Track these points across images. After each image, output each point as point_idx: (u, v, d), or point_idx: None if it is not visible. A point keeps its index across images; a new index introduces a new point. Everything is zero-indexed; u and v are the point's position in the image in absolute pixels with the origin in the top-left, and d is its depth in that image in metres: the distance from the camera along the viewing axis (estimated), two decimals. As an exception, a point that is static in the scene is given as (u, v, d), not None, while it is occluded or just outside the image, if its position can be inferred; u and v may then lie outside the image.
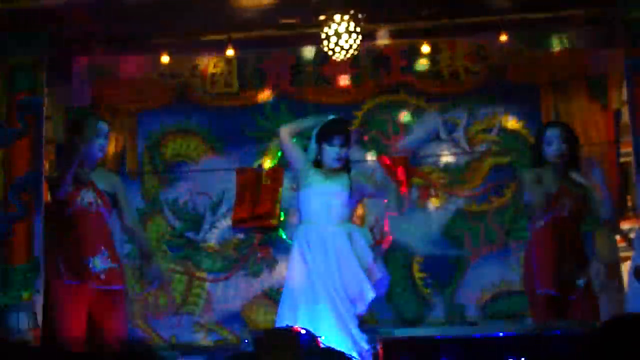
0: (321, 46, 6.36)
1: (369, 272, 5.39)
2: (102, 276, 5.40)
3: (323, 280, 5.29)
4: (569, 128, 5.73)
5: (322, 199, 5.49)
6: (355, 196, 5.61)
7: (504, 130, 7.28)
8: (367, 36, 6.70)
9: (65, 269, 5.43)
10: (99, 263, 5.41)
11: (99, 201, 5.50)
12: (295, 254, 5.48)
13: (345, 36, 6.28)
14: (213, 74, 7.37)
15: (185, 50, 7.24)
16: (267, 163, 7.31)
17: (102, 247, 5.45)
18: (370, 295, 5.30)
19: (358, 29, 6.29)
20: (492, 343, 4.38)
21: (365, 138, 7.25)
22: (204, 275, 7.27)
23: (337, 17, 6.20)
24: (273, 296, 7.16)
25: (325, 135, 5.54)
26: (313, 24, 6.50)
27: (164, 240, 7.30)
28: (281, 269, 7.21)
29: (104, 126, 5.57)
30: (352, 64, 7.19)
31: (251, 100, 7.36)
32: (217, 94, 7.37)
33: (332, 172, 5.55)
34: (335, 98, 7.32)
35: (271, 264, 7.26)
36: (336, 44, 6.31)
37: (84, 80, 7.20)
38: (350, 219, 5.60)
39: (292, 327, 4.33)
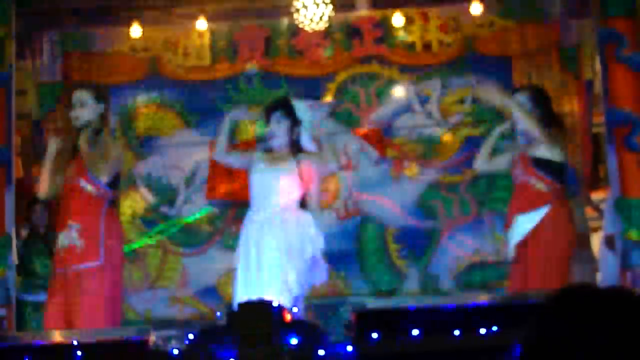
0: (293, 17, 6.33)
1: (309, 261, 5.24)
2: (62, 254, 5.03)
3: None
4: (539, 91, 5.61)
5: (264, 183, 5.32)
6: (308, 179, 5.42)
7: (476, 101, 7.28)
8: (340, 7, 6.69)
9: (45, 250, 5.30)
10: (62, 239, 5.05)
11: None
12: (240, 240, 5.39)
13: (316, 7, 6.26)
14: (185, 47, 7.32)
15: (157, 23, 7.20)
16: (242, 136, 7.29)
17: (70, 222, 5.06)
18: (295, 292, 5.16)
19: (329, 0, 6.27)
20: (463, 313, 4.40)
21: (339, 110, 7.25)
22: (178, 249, 7.26)
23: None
24: (248, 269, 7.18)
25: (266, 115, 5.44)
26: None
27: (139, 215, 7.28)
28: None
29: (80, 95, 5.31)
30: (324, 36, 7.17)
31: (224, 73, 7.33)
32: (190, 67, 7.33)
33: (278, 156, 5.36)
34: (308, 70, 7.31)
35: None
36: (308, 15, 6.29)
37: (54, 55, 7.14)
38: (299, 202, 5.32)
39: (264, 299, 4.33)
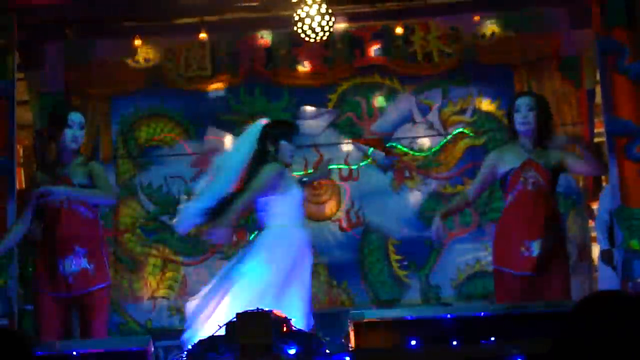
0: (295, 29, 6.35)
1: None
2: (71, 279, 5.08)
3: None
4: (540, 98, 5.60)
5: (300, 198, 5.49)
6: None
7: (478, 111, 7.29)
8: (341, 18, 6.70)
9: (39, 276, 5.18)
10: (69, 265, 5.10)
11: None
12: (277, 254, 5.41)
13: (318, 18, 6.28)
14: (187, 58, 7.33)
15: (158, 34, 7.21)
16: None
17: (76, 247, 5.11)
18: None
19: (330, 11, 6.28)
20: (463, 324, 4.39)
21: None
22: (179, 259, 7.25)
23: (309, -1, 6.20)
24: (249, 280, 7.18)
25: (285, 134, 5.47)
26: (286, 6, 6.48)
27: (139, 225, 7.28)
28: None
29: (76, 116, 5.22)
30: (325, 47, 7.18)
31: (225, 84, 7.34)
32: (191, 78, 7.34)
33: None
34: (309, 81, 7.31)
35: (247, 247, 7.24)
36: (309, 26, 6.30)
37: (57, 65, 7.17)
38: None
39: (263, 309, 4.33)
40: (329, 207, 7.31)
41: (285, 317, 4.35)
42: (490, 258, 6.99)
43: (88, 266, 5.12)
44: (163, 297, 7.22)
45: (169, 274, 7.25)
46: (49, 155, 5.24)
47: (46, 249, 5.18)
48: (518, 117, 5.31)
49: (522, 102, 5.32)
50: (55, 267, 5.12)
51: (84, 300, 5.16)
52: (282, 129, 5.51)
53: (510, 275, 5.19)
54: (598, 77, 6.78)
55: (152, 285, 7.23)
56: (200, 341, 4.36)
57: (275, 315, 4.29)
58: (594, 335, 1.85)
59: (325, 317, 6.90)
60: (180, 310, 7.18)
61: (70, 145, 5.20)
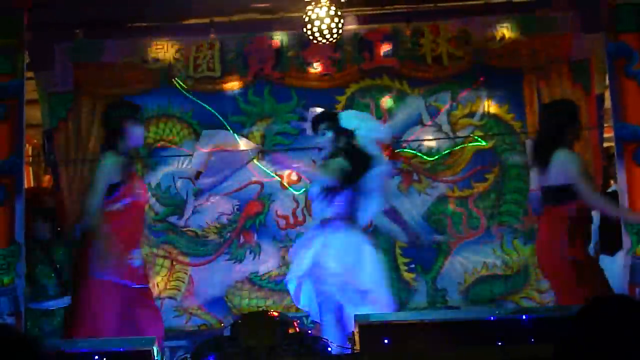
0: (304, 30, 6.34)
1: None
2: (141, 271, 5.26)
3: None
4: (565, 103, 5.65)
5: None
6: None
7: (487, 115, 7.27)
8: (350, 20, 6.70)
9: (102, 264, 5.18)
10: (138, 257, 5.26)
11: (141, 192, 5.35)
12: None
13: (327, 20, 6.28)
14: (196, 59, 7.33)
15: (168, 35, 7.22)
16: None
17: (138, 244, 5.28)
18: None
19: (340, 13, 6.28)
20: (469, 327, 4.39)
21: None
22: (186, 259, 7.26)
23: (320, 0, 6.19)
24: (256, 281, 7.19)
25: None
26: (296, 8, 6.49)
27: (147, 225, 7.28)
28: (264, 254, 7.22)
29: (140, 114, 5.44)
30: (335, 49, 7.18)
31: (234, 85, 7.34)
32: (200, 79, 7.34)
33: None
34: (318, 82, 7.31)
35: (254, 249, 7.26)
36: (319, 28, 6.30)
37: (67, 65, 7.17)
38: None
39: (268, 310, 4.33)
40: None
41: (289, 318, 4.35)
42: (497, 262, 7.07)
43: (144, 264, 5.35)
44: (170, 298, 7.22)
45: (176, 275, 7.26)
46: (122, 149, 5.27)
47: (116, 235, 5.17)
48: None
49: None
50: (123, 255, 5.17)
51: (145, 294, 5.28)
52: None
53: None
54: (607, 82, 6.76)
55: (159, 286, 7.24)
56: (205, 341, 4.36)
57: (280, 316, 4.30)
58: (595, 339, 1.85)
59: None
60: (186, 310, 7.20)
61: (138, 142, 5.39)
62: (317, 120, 5.92)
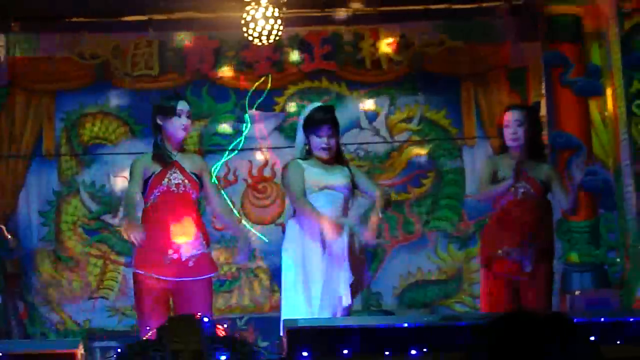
0: (243, 31, 6.30)
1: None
2: (191, 264, 4.94)
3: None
4: (531, 110, 5.60)
5: (326, 192, 5.13)
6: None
7: (424, 120, 7.31)
8: (290, 22, 6.68)
9: (144, 258, 4.94)
10: (188, 249, 4.96)
11: (186, 182, 5.05)
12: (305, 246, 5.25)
13: (266, 21, 6.24)
14: (134, 56, 7.26)
15: (105, 31, 7.13)
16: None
17: (193, 231, 4.97)
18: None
19: (280, 15, 6.25)
20: (396, 333, 4.38)
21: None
22: (119, 259, 7.17)
23: (260, 1, 6.16)
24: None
25: (311, 126, 5.09)
26: (235, 8, 6.45)
27: (80, 223, 7.19)
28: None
29: (184, 105, 5.13)
30: (274, 50, 7.15)
31: (172, 83, 7.26)
32: (138, 76, 7.26)
33: (330, 165, 5.15)
34: (257, 83, 7.27)
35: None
36: (257, 29, 6.26)
37: (1, 59, 7.05)
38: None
39: (194, 314, 4.27)
40: (272, 211, 7.29)
41: (216, 321, 4.30)
42: (432, 267, 7.11)
43: (205, 250, 5.02)
44: (102, 297, 7.14)
45: (109, 274, 7.17)
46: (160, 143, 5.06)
47: (156, 233, 4.92)
48: (507, 133, 5.23)
49: (511, 118, 5.23)
50: (164, 249, 4.93)
51: (194, 287, 4.96)
52: (310, 120, 5.16)
53: (492, 276, 5.21)
54: (544, 90, 6.85)
55: (91, 285, 7.15)
56: (129, 345, 4.29)
57: (207, 320, 4.24)
58: (495, 352, 1.92)
59: (265, 322, 6.90)
60: (118, 311, 7.11)
61: (180, 133, 5.10)
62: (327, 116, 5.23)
